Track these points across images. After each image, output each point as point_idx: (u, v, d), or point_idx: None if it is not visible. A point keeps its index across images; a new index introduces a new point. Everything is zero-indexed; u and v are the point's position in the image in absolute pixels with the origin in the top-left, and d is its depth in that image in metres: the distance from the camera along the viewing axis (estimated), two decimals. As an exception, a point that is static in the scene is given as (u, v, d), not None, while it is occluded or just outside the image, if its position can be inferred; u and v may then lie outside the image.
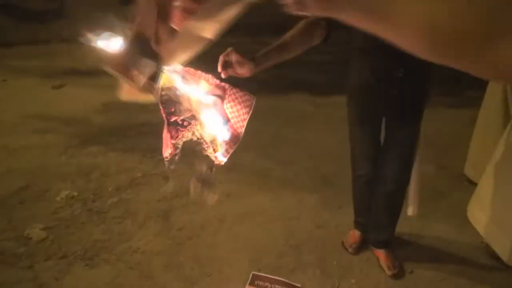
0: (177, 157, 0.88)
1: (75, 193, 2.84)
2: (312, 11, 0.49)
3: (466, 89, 4.43)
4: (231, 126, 0.91)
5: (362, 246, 2.28)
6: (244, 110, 0.92)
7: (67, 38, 6.68)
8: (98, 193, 2.86)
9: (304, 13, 0.51)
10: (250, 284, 2.03)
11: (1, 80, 5.31)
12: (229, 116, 0.91)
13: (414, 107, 1.88)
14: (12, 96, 4.82)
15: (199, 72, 0.91)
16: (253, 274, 2.09)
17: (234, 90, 0.94)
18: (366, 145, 2.04)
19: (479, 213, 2.20)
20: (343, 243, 2.32)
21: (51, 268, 2.19)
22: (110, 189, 2.91)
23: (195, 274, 2.14)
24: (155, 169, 3.18)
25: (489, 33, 0.36)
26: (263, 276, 2.08)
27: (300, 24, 1.39)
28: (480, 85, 2.98)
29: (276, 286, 2.02)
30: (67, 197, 2.80)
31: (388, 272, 2.11)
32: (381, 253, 2.19)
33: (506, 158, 2.06)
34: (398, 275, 2.11)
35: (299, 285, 2.05)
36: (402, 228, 2.26)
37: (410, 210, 2.12)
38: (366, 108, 1.95)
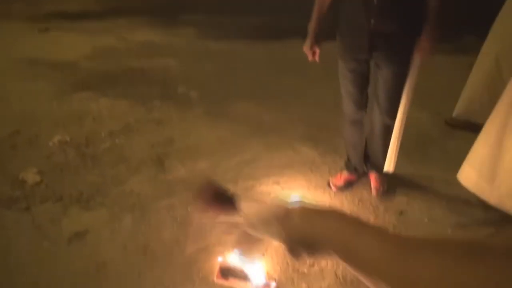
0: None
1: (68, 138, 2.82)
2: None
3: (464, 35, 4.33)
4: None
5: (347, 187, 2.36)
6: None
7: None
8: (90, 138, 2.84)
9: None
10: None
11: (-16, 24, 5.09)
12: None
13: (402, 48, 1.87)
14: (-2, 40, 4.65)
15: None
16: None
17: None
18: (354, 84, 2.08)
19: (471, 171, 2.13)
20: (328, 182, 2.38)
21: (47, 211, 2.22)
22: (102, 134, 2.89)
23: (189, 215, 2.18)
24: (147, 115, 3.15)
25: None
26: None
27: None
28: (478, 31, 2.91)
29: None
30: (59, 142, 2.78)
31: (374, 193, 2.30)
32: (372, 175, 2.34)
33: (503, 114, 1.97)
34: (381, 197, 2.29)
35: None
36: (394, 172, 2.30)
37: (386, 166, 2.17)
38: (355, 46, 1.98)
